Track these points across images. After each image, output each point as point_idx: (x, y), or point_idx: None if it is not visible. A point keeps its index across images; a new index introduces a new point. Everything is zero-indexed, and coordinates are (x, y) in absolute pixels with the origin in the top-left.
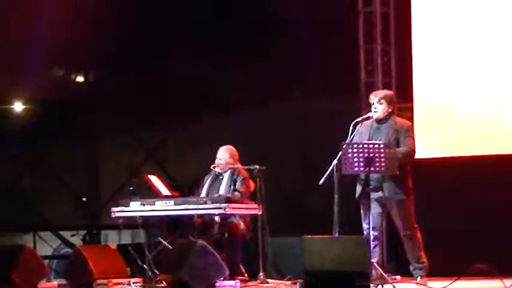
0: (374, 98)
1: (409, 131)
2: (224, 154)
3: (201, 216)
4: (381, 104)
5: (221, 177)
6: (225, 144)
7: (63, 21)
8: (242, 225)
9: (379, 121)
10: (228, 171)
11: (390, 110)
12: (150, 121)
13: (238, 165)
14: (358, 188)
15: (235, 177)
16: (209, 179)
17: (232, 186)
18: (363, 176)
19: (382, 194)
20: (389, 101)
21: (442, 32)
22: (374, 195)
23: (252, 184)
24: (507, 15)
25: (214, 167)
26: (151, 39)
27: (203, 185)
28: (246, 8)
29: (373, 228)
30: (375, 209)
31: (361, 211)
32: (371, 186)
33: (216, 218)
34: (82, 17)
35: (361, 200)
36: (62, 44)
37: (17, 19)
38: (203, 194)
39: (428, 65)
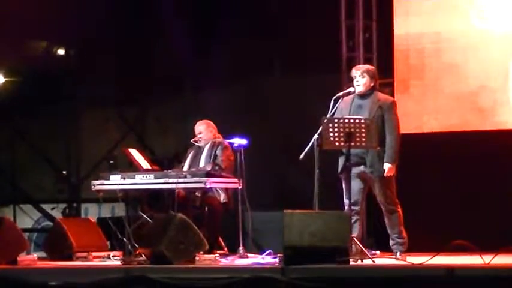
0: (356, 71)
1: (393, 108)
2: (201, 127)
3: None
4: (363, 77)
5: (203, 149)
6: (205, 118)
7: None
8: (223, 196)
9: (361, 96)
10: (208, 144)
11: (372, 85)
12: (131, 95)
13: (219, 138)
14: (341, 163)
15: (215, 148)
16: (191, 153)
17: (212, 157)
18: (344, 150)
19: (364, 169)
20: (371, 75)
21: (423, 6)
22: (355, 169)
23: (232, 155)
24: None
25: (196, 141)
26: (133, 14)
27: (185, 159)
28: None
29: (354, 204)
30: (356, 184)
31: (343, 186)
32: (352, 161)
33: (197, 193)
34: None
35: (342, 175)
36: (43, 16)
37: None
38: (185, 167)
39: (409, 40)
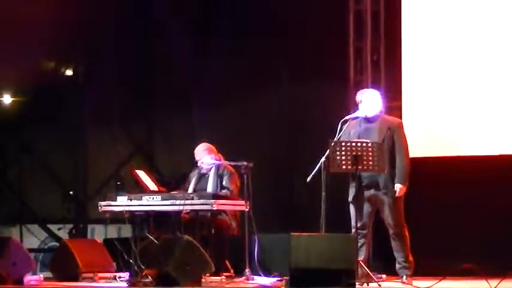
0: (361, 95)
1: (401, 129)
2: (202, 153)
3: (188, 212)
4: (369, 101)
5: (207, 175)
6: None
7: (55, 15)
8: (234, 224)
9: (368, 120)
10: (213, 168)
11: (379, 108)
12: (139, 114)
13: (223, 161)
14: (351, 190)
15: (220, 172)
16: (195, 177)
17: (219, 183)
18: (355, 179)
19: (375, 192)
20: (377, 98)
21: (432, 30)
22: (366, 193)
23: (238, 180)
24: (497, 14)
25: (201, 167)
26: (144, 33)
27: (189, 182)
28: (233, 2)
29: (362, 227)
30: (365, 207)
31: (351, 209)
32: (364, 183)
33: (208, 214)
34: (72, 10)
35: (353, 199)
36: (52, 36)
37: (6, 11)
38: (190, 190)
39: (418, 64)
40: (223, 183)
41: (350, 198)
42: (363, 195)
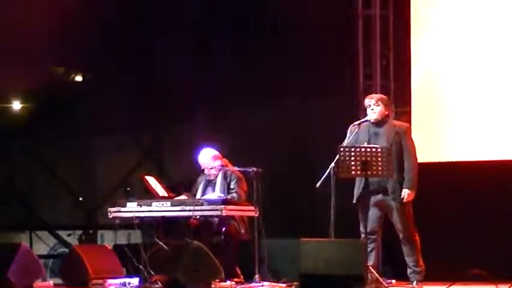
0: (370, 100)
1: (409, 133)
2: (204, 159)
3: (197, 218)
4: (378, 105)
5: (214, 180)
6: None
7: (62, 21)
8: (242, 229)
9: (377, 124)
10: (220, 173)
11: (387, 113)
12: (147, 120)
13: (231, 167)
14: (356, 192)
15: (227, 177)
16: (203, 182)
17: (226, 188)
18: (361, 181)
19: (383, 197)
20: (386, 103)
21: (441, 35)
22: (374, 198)
23: (246, 184)
24: (506, 20)
25: (208, 174)
26: (149, 40)
27: (197, 188)
28: (243, 8)
29: (371, 232)
30: (374, 212)
31: (360, 214)
32: (371, 189)
33: (215, 219)
34: (82, 16)
35: (360, 204)
36: (61, 42)
37: (15, 18)
38: (198, 196)
39: (427, 69)
40: (231, 187)
41: (354, 200)
42: (368, 200)
